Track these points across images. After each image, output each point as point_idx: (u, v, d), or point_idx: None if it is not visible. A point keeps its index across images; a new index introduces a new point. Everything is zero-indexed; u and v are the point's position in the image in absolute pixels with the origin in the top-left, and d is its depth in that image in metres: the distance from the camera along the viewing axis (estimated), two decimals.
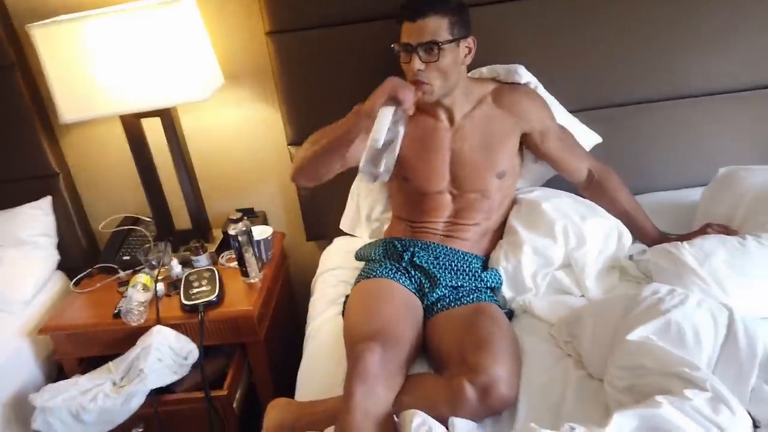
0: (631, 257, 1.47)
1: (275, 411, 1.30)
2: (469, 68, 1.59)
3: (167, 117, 1.69)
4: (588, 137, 1.69)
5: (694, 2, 1.60)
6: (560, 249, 1.45)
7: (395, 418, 1.12)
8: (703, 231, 1.42)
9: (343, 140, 1.37)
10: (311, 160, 1.45)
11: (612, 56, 1.67)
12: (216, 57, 1.72)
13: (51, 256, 1.89)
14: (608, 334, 1.13)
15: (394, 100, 1.27)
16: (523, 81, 1.58)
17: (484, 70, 1.62)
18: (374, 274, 1.45)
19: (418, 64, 1.34)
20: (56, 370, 1.75)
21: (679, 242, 1.33)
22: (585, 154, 1.61)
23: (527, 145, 1.58)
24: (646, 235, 1.53)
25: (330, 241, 1.90)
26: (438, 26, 1.33)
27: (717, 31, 1.63)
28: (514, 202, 1.60)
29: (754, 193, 1.38)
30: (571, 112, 1.69)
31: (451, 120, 1.51)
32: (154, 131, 1.73)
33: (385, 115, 1.25)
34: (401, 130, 1.28)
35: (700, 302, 1.10)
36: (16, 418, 1.56)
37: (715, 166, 1.61)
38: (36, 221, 1.85)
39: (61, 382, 1.53)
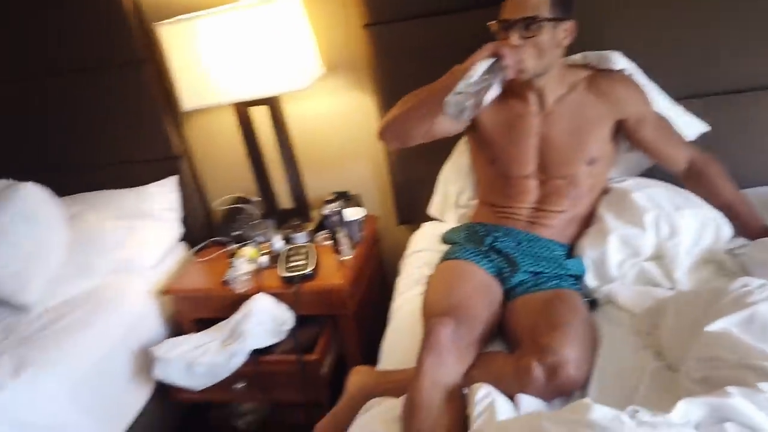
0: (731, 251, 1.39)
1: (358, 376, 1.41)
2: (565, 54, 1.58)
3: (273, 105, 1.85)
4: (693, 126, 1.61)
5: None
6: (650, 239, 1.40)
7: (464, 391, 1.18)
8: None
9: (438, 97, 1.36)
10: (402, 115, 1.49)
11: (719, 41, 1.57)
12: (317, 48, 1.85)
13: (175, 228, 2.13)
14: (689, 325, 1.10)
15: (494, 56, 1.29)
16: (617, 67, 1.54)
17: (577, 57, 1.60)
18: (455, 255, 1.50)
19: (515, 39, 1.34)
20: (178, 329, 1.98)
21: None
22: (684, 144, 1.54)
23: (622, 132, 1.55)
24: (750, 228, 1.43)
25: (419, 226, 1.97)
26: (540, 1, 1.34)
27: None
28: (605, 191, 1.57)
29: None
30: (675, 100, 1.61)
31: (541, 104, 1.51)
32: (261, 118, 1.90)
33: (482, 64, 1.28)
34: (495, 85, 1.28)
35: None
36: (143, 367, 1.79)
37: None
38: (163, 197, 2.10)
39: (178, 338, 1.75)
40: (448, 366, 1.17)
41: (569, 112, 1.49)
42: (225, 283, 1.78)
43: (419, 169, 1.91)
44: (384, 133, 1.55)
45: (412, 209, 2.01)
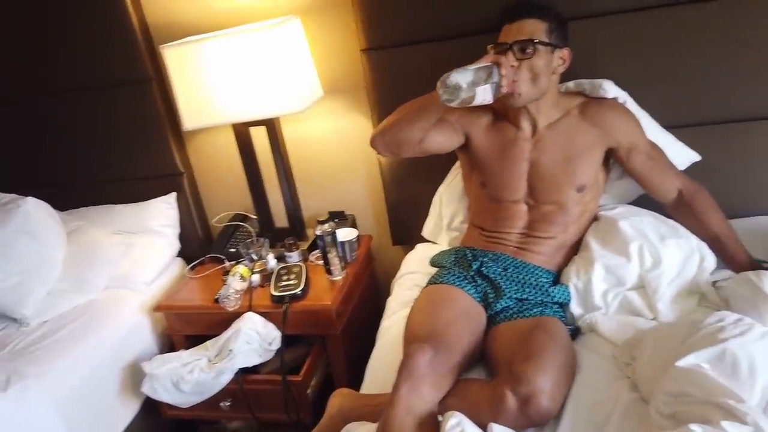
0: (715, 283, 1.38)
1: (338, 398, 1.41)
2: (560, 82, 1.60)
3: (271, 126, 1.88)
4: (684, 155, 1.61)
5: None
6: (634, 269, 1.40)
7: (440, 418, 1.18)
8: None
9: (433, 107, 1.41)
10: (395, 122, 1.52)
11: (710, 71, 1.58)
12: (316, 72, 1.89)
13: (173, 244, 2.17)
14: (664, 358, 1.09)
15: (492, 63, 1.33)
16: (609, 95, 1.55)
17: (571, 85, 1.62)
18: (441, 280, 1.51)
19: (511, 59, 1.38)
20: (169, 344, 2.01)
21: (762, 270, 1.24)
22: (676, 173, 1.53)
23: (613, 160, 1.55)
24: (736, 262, 1.42)
25: (413, 247, 1.98)
26: (536, 28, 1.39)
27: None
28: (595, 218, 1.58)
29: None
30: (666, 128, 1.62)
31: (533, 130, 1.52)
32: (260, 138, 1.93)
33: (480, 62, 1.32)
34: (489, 88, 1.31)
35: (764, 334, 1.03)
36: (132, 382, 1.82)
37: None
38: (163, 213, 2.14)
39: (168, 354, 1.76)
40: (424, 394, 1.17)
41: (561, 138, 1.50)
42: (216, 300, 1.80)
43: (414, 190, 1.93)
44: (376, 141, 1.56)
45: (406, 230, 2.02)
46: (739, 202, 1.63)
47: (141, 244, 2.06)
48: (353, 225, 2.08)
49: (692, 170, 1.59)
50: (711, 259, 1.40)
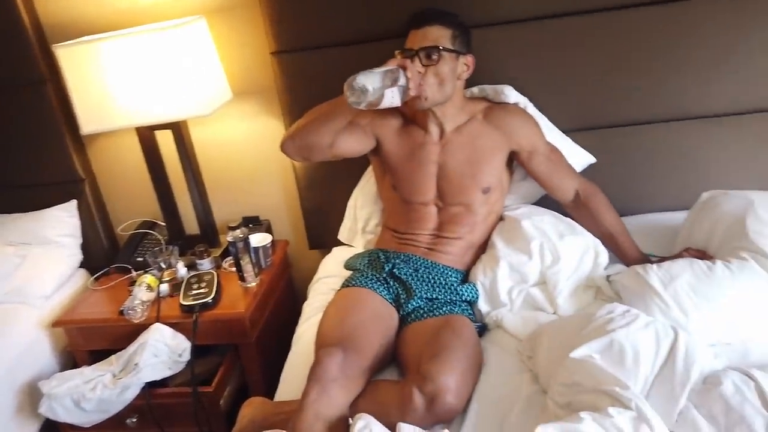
0: (608, 277, 1.47)
1: (249, 408, 1.38)
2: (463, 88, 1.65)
3: (177, 129, 1.82)
4: (581, 157, 1.70)
5: (691, 22, 1.59)
6: (535, 266, 1.47)
7: (350, 421, 1.18)
8: (680, 255, 1.41)
9: (342, 110, 1.42)
10: (305, 126, 1.50)
11: (605, 78, 1.68)
12: (225, 74, 1.84)
13: (74, 255, 2.04)
14: (560, 350, 1.15)
15: (399, 67, 1.35)
16: (510, 100, 1.62)
17: (475, 90, 1.67)
18: (354, 283, 1.52)
19: (418, 65, 1.41)
20: (71, 361, 1.89)
21: (649, 264, 1.33)
22: (573, 175, 1.62)
23: (517, 162, 1.62)
24: (628, 257, 1.52)
25: (330, 251, 1.97)
26: (441, 35, 1.44)
27: (715, 52, 1.61)
28: (501, 218, 1.64)
29: (730, 219, 1.36)
30: (564, 132, 1.71)
31: (441, 134, 1.56)
32: (167, 142, 1.86)
33: (387, 65, 1.34)
34: (396, 92, 1.33)
35: (648, 324, 1.11)
36: (29, 404, 1.69)
37: (708, 189, 1.59)
38: (62, 222, 2.01)
39: (68, 372, 1.66)
40: (333, 397, 1.17)
41: (466, 141, 1.55)
42: (121, 312, 1.71)
43: (330, 193, 1.93)
44: (287, 145, 1.54)
45: (323, 234, 2.02)
46: (630, 201, 1.74)
47: (37, 256, 1.93)
48: (268, 230, 2.05)
49: (588, 171, 1.68)
50: (605, 255, 1.49)
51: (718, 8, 1.56)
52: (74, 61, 1.66)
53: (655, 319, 1.14)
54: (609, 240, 1.54)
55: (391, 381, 1.30)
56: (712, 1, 1.56)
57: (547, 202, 1.68)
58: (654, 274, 1.28)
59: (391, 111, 1.59)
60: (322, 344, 1.30)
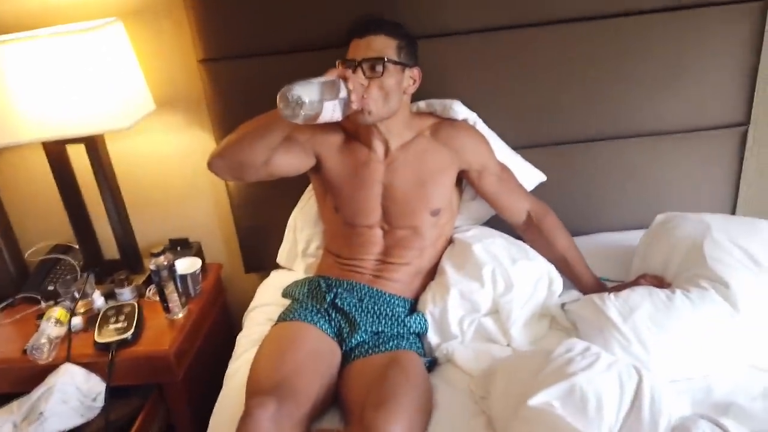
0: (563, 306, 1.39)
1: None
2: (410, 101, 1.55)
3: (92, 144, 1.63)
4: (531, 176, 1.64)
5: (643, 37, 1.55)
6: (488, 294, 1.38)
7: None
8: (637, 282, 1.35)
9: (278, 124, 1.27)
10: (235, 143, 1.34)
11: (556, 93, 1.61)
12: (147, 83, 1.67)
13: None
14: (518, 393, 1.05)
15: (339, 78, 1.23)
16: (459, 117, 1.53)
17: (422, 104, 1.57)
18: (291, 316, 1.38)
19: (361, 77, 1.29)
20: None
21: (607, 294, 1.26)
22: (525, 195, 1.54)
23: (466, 181, 1.52)
24: (582, 282, 1.45)
25: (268, 274, 1.83)
26: (386, 45, 1.33)
27: (668, 68, 1.58)
28: (450, 240, 1.54)
29: (687, 244, 1.31)
30: (514, 149, 1.63)
31: (386, 151, 1.45)
32: (81, 157, 1.66)
33: (326, 76, 1.21)
34: (336, 105, 1.21)
35: (610, 365, 1.03)
36: None
37: (661, 208, 1.56)
38: None
39: None
40: None
41: (413, 160, 1.44)
42: (25, 352, 1.50)
43: (267, 213, 1.79)
44: (215, 164, 1.38)
45: (260, 257, 1.87)
46: (583, 220, 1.69)
47: None
48: (198, 253, 1.87)
49: (539, 190, 1.62)
50: (559, 282, 1.41)
51: (671, 24, 1.52)
52: None
53: (617, 358, 1.06)
54: (562, 264, 1.46)
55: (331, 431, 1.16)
56: (664, 17, 1.52)
57: (497, 222, 1.59)
58: (612, 305, 1.20)
59: (333, 126, 1.46)
60: (254, 392, 1.16)
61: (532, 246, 1.49)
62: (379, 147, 1.45)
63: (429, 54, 1.54)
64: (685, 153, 1.64)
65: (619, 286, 1.37)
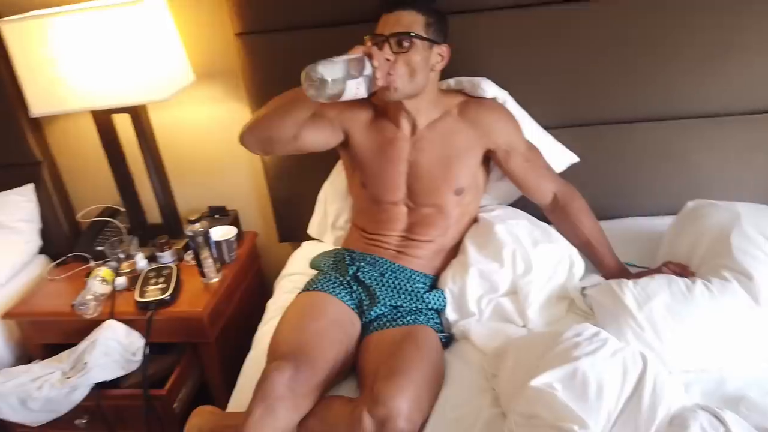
0: (584, 289, 1.39)
1: (197, 418, 1.31)
2: (440, 78, 1.54)
3: (136, 114, 1.71)
4: (563, 156, 1.61)
5: (686, 16, 1.48)
6: (507, 274, 1.38)
7: None
8: (659, 270, 1.32)
9: (304, 100, 1.26)
10: (266, 116, 1.37)
11: (591, 72, 1.57)
12: (187, 55, 1.72)
13: (32, 241, 1.94)
14: (522, 373, 1.07)
15: (365, 56, 1.23)
16: (488, 95, 1.51)
17: (451, 82, 1.56)
18: (315, 286, 1.43)
19: (387, 53, 1.29)
20: (26, 354, 1.81)
21: (625, 280, 1.24)
22: (552, 176, 1.52)
23: (493, 161, 1.52)
24: (605, 267, 1.43)
25: (300, 244, 1.88)
26: (414, 20, 1.32)
27: (711, 50, 1.51)
28: (475, 219, 1.54)
29: (714, 233, 1.27)
30: (545, 128, 1.60)
31: (413, 129, 1.46)
32: (127, 126, 1.75)
33: (351, 54, 1.22)
34: (361, 82, 1.21)
35: (616, 352, 1.03)
36: None
37: (696, 194, 1.51)
38: (18, 207, 1.91)
39: (15, 368, 1.58)
40: (279, 419, 1.10)
41: (439, 138, 1.45)
42: (73, 306, 1.63)
43: (300, 185, 1.83)
44: (246, 138, 1.41)
45: (293, 227, 1.93)
46: (613, 204, 1.66)
47: None
48: (235, 221, 1.95)
49: (570, 171, 1.59)
50: (580, 266, 1.40)
51: (715, 4, 1.45)
52: (21, 38, 1.54)
53: (625, 345, 1.06)
54: (586, 247, 1.45)
55: (344, 399, 1.22)
56: None
57: (525, 203, 1.58)
58: (630, 292, 1.19)
59: (362, 103, 1.48)
60: (274, 356, 1.22)
61: (557, 228, 1.48)
62: (405, 125, 1.46)
63: (461, 30, 1.52)
64: (727, 138, 1.57)
65: (642, 273, 1.35)
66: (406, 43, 1.30)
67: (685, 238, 1.35)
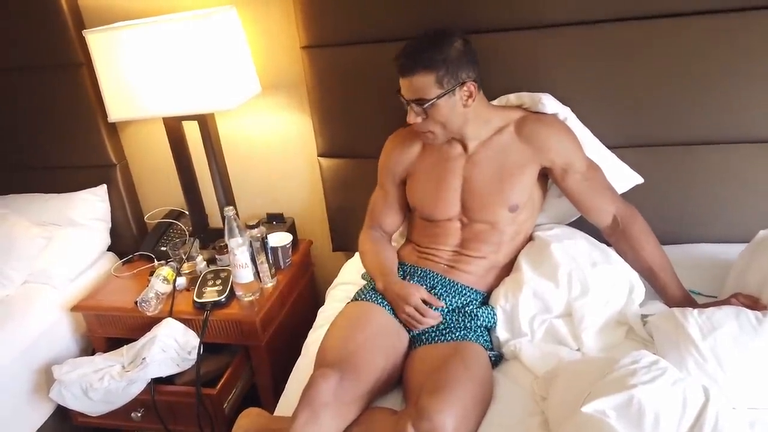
0: (645, 316, 1.33)
1: (245, 420, 1.34)
2: (501, 93, 1.54)
3: (204, 122, 1.78)
4: (626, 177, 1.55)
5: (756, 40, 1.41)
6: (562, 296, 1.34)
7: None
8: (728, 302, 1.25)
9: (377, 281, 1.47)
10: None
11: (658, 91, 1.51)
12: (255, 67, 1.79)
13: (102, 239, 2.06)
14: (575, 399, 1.03)
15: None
16: (548, 110, 1.48)
17: (512, 97, 1.54)
18: (364, 297, 1.44)
19: (412, 117, 1.35)
20: (90, 346, 1.90)
21: (690, 308, 1.18)
22: (612, 197, 1.46)
23: (551, 178, 1.49)
24: (669, 295, 1.36)
25: (353, 254, 1.90)
26: (425, 83, 1.32)
27: None
28: (530, 238, 1.51)
29: None
30: (609, 148, 1.56)
31: (465, 147, 1.46)
32: (194, 132, 1.83)
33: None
34: None
35: (676, 382, 0.97)
36: (46, 385, 1.71)
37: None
38: (91, 206, 2.03)
39: (80, 359, 1.67)
40: (323, 425, 1.11)
41: (494, 154, 1.43)
42: (136, 303, 1.70)
43: (356, 196, 1.85)
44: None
45: (347, 237, 1.95)
46: (679, 229, 1.59)
47: (64, 238, 1.95)
48: (291, 228, 1.99)
49: (634, 192, 1.53)
50: (640, 290, 1.34)
51: None
52: (103, 48, 1.65)
53: (685, 377, 1.01)
54: (647, 273, 1.39)
55: (388, 411, 1.21)
56: None
57: (584, 223, 1.54)
58: (694, 320, 1.13)
59: (410, 140, 1.52)
60: (320, 363, 1.23)
61: (616, 251, 1.42)
62: (457, 146, 1.46)
63: (525, 47, 1.51)
64: None
65: (708, 304, 1.28)
66: (426, 106, 1.32)
67: (756, 269, 1.27)
